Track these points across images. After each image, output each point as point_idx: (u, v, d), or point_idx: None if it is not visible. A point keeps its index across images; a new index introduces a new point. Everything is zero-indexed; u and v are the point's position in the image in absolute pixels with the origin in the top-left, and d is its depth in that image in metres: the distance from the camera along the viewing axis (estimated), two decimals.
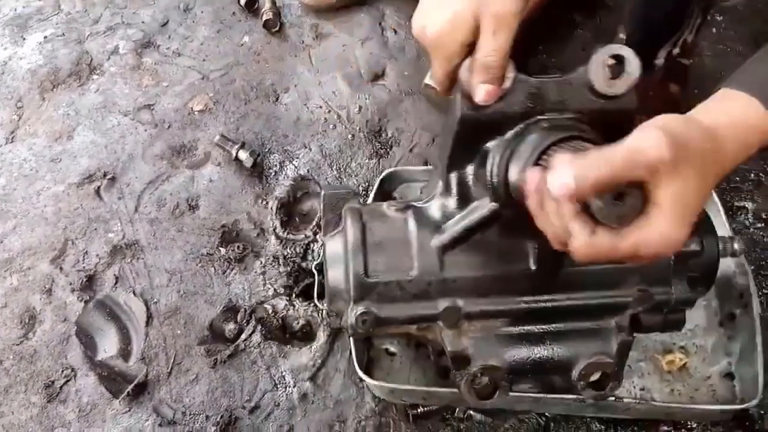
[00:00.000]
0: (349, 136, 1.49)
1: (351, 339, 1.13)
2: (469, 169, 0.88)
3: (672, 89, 1.33)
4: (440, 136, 1.13)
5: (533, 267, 0.89)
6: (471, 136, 0.83)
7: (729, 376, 1.17)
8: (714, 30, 1.60)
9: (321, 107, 1.52)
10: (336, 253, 0.94)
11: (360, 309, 0.90)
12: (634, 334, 0.95)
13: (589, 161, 0.60)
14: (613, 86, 0.74)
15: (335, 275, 0.93)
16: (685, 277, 0.92)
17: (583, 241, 0.64)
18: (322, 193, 1.09)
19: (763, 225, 1.35)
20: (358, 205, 0.99)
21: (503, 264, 0.90)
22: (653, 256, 0.64)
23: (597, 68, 0.74)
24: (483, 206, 0.87)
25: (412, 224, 0.92)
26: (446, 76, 0.78)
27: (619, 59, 0.73)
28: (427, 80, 1.45)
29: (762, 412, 1.17)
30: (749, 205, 1.37)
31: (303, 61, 1.58)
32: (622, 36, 1.42)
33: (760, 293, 1.27)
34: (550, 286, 0.90)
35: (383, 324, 0.91)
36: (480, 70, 0.74)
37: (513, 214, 0.84)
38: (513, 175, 0.78)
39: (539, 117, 0.78)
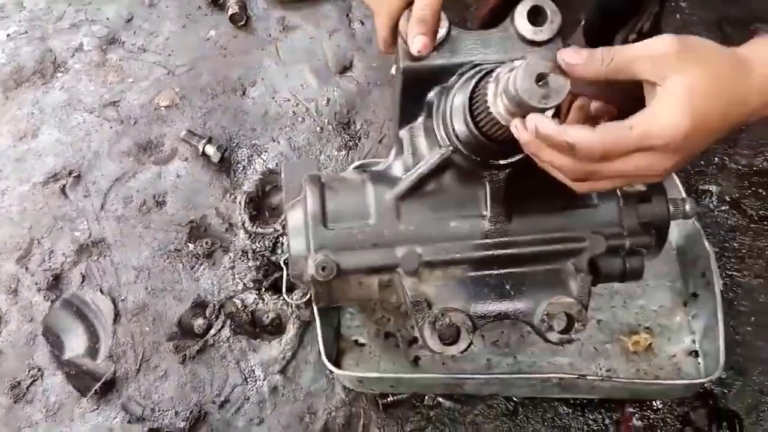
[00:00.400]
0: (318, 128, 1.49)
1: (319, 328, 1.13)
2: (419, 122, 0.94)
3: None
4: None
5: (486, 212, 0.93)
6: (415, 88, 0.91)
7: (694, 353, 1.18)
8: (678, 16, 1.61)
9: (289, 100, 1.51)
10: (297, 222, 0.97)
11: (319, 257, 0.92)
12: (596, 285, 0.99)
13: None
14: (538, 33, 0.85)
15: (297, 244, 0.96)
16: (635, 219, 0.96)
17: (588, 138, 0.68)
18: (282, 164, 1.12)
19: (727, 208, 1.37)
20: (318, 173, 1.01)
21: (458, 210, 0.94)
22: (663, 147, 0.66)
23: (520, 19, 0.84)
24: (434, 154, 0.91)
25: (369, 182, 0.97)
26: (389, 32, 0.85)
27: (539, 10, 0.84)
28: (394, 71, 1.45)
29: (725, 390, 1.19)
30: (713, 188, 1.39)
31: (270, 54, 1.57)
32: (582, 22, 1.43)
33: (723, 274, 1.29)
34: (504, 231, 0.94)
35: (343, 274, 0.94)
36: (415, 23, 0.80)
37: (463, 160, 0.89)
38: (456, 121, 0.86)
39: (476, 63, 0.87)
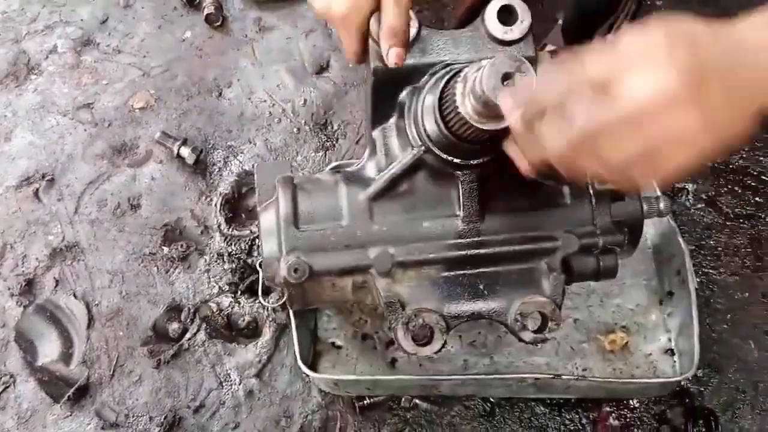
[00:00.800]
0: (295, 129, 1.47)
1: (294, 331, 1.12)
2: (391, 123, 0.94)
3: None
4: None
5: (459, 212, 0.93)
6: (386, 89, 0.91)
7: (669, 352, 1.18)
8: (653, 14, 1.62)
9: (265, 101, 1.50)
10: (269, 224, 0.96)
11: (291, 259, 0.91)
12: (572, 285, 1.00)
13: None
14: (509, 33, 0.85)
15: (269, 247, 0.95)
16: (608, 218, 0.96)
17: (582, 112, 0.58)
18: (256, 165, 1.11)
19: (703, 205, 1.37)
20: (291, 174, 1.01)
21: (430, 210, 0.94)
22: (658, 118, 0.55)
23: (490, 19, 0.84)
24: (406, 155, 0.92)
25: (342, 182, 0.97)
26: (360, 45, 0.84)
27: (509, 9, 0.83)
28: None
29: (701, 388, 1.19)
30: (690, 186, 1.39)
31: (246, 54, 1.56)
32: (560, 21, 1.43)
33: (699, 272, 1.29)
34: (477, 230, 0.94)
35: (316, 275, 0.93)
36: (386, 35, 0.79)
37: (435, 160, 0.89)
38: (427, 121, 0.86)
39: (447, 63, 0.87)
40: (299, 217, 0.96)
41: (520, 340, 0.94)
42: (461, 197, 0.94)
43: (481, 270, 0.97)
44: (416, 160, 0.93)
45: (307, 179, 1.01)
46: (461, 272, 0.96)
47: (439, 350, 0.94)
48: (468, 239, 0.95)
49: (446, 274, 0.97)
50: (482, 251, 0.95)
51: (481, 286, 0.97)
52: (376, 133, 0.99)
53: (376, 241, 0.95)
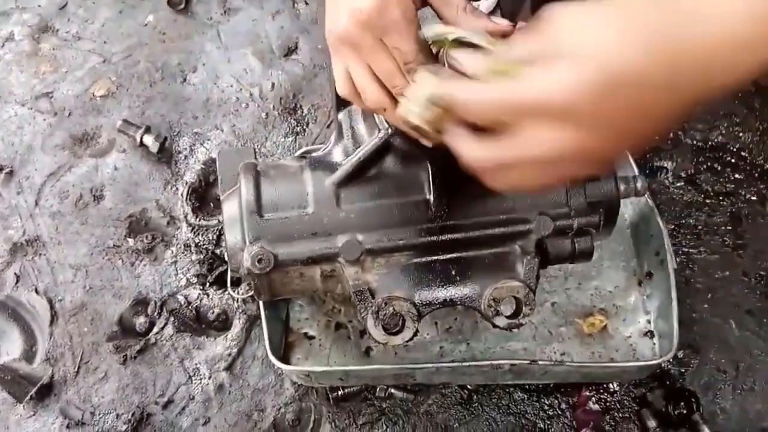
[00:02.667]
0: (263, 114, 1.43)
1: (264, 322, 1.09)
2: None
3: None
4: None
5: (429, 196, 0.90)
6: None
7: (649, 334, 1.16)
8: None
9: (232, 86, 1.45)
10: (232, 213, 0.92)
11: (255, 249, 0.88)
12: (549, 268, 0.97)
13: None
14: None
15: (232, 236, 0.92)
16: (583, 199, 0.93)
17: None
18: (218, 153, 1.07)
19: (682, 184, 1.35)
20: (254, 161, 0.97)
21: (399, 195, 0.91)
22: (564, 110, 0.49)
23: None
24: (373, 138, 0.88)
25: (308, 168, 0.93)
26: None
27: None
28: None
29: (682, 369, 1.17)
30: (668, 164, 1.36)
31: (211, 38, 1.50)
32: None
33: (679, 252, 1.27)
34: (448, 215, 0.91)
35: (282, 265, 0.90)
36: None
37: (403, 142, 0.85)
38: None
39: None
40: (263, 205, 0.92)
41: (495, 326, 0.92)
42: (431, 181, 0.91)
43: (453, 255, 0.94)
44: (384, 143, 0.90)
45: (270, 165, 0.97)
46: (432, 258, 0.94)
47: (411, 339, 0.91)
48: (439, 224, 0.92)
49: (417, 260, 0.94)
50: (454, 236, 0.92)
51: (453, 272, 0.94)
52: (342, 116, 0.95)
53: (343, 228, 0.91)
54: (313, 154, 0.99)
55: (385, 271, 0.94)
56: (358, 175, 0.92)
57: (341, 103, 0.95)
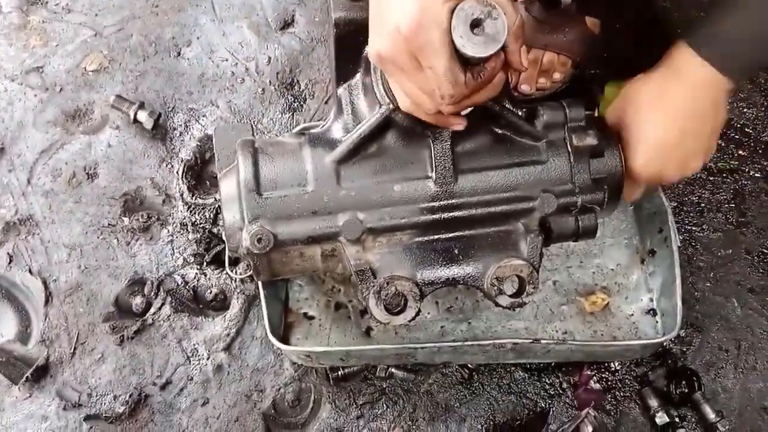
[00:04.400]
0: (260, 90, 1.39)
1: (263, 302, 1.07)
2: (357, 79, 0.88)
3: (589, 23, 1.27)
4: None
5: (431, 173, 0.88)
6: (350, 41, 0.86)
7: (651, 312, 1.15)
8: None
9: (227, 60, 1.42)
10: (230, 191, 0.91)
11: (254, 228, 0.86)
12: (551, 246, 0.98)
13: None
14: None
15: (231, 215, 0.90)
16: (587, 175, 0.92)
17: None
18: (214, 129, 1.04)
19: None
20: (252, 137, 0.94)
21: (401, 172, 0.89)
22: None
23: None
24: (374, 113, 0.86)
25: (307, 145, 0.91)
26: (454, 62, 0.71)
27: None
28: None
29: (684, 348, 1.17)
30: None
31: (205, 10, 1.46)
32: None
33: (682, 229, 1.26)
34: (450, 192, 0.89)
35: (281, 245, 0.88)
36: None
37: (405, 118, 0.84)
38: None
39: None
40: (261, 183, 0.90)
41: (497, 305, 0.90)
42: (433, 158, 0.89)
43: (455, 234, 0.92)
44: (384, 119, 0.88)
45: (269, 142, 0.95)
46: (435, 237, 0.92)
47: (413, 318, 0.90)
48: (441, 202, 0.90)
49: (419, 239, 0.92)
50: (456, 214, 0.91)
51: (456, 251, 0.92)
52: (342, 91, 0.93)
53: (344, 206, 0.89)
54: (313, 131, 0.97)
55: (386, 250, 0.92)
56: (358, 151, 0.90)
57: (341, 77, 0.92)
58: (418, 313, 0.90)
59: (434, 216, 0.90)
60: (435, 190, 0.90)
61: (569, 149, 0.93)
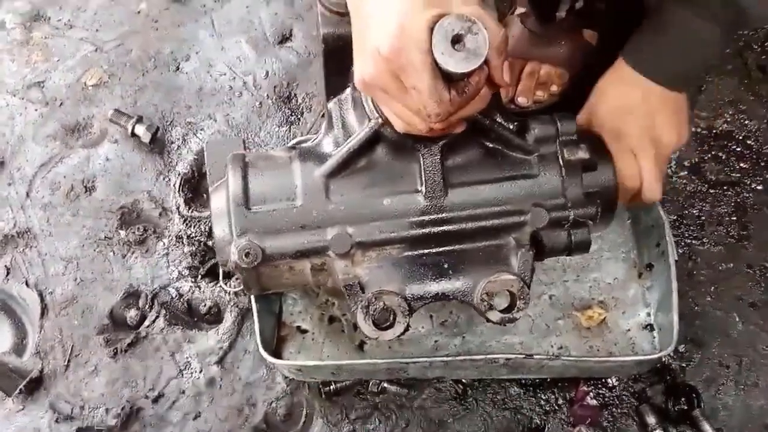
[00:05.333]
0: (257, 103, 1.40)
1: (255, 315, 1.07)
2: (347, 94, 0.88)
3: (586, 35, 1.27)
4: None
5: (420, 187, 0.88)
6: (339, 56, 0.85)
7: (649, 327, 1.13)
8: None
9: (225, 74, 1.43)
10: (220, 205, 0.91)
11: (242, 242, 0.86)
12: (544, 261, 0.96)
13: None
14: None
15: (220, 229, 0.90)
16: (580, 189, 0.90)
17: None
18: (205, 143, 1.04)
19: (686, 173, 1.31)
20: (243, 152, 0.94)
21: (390, 186, 0.89)
22: None
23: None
24: (363, 128, 0.85)
25: (297, 159, 0.91)
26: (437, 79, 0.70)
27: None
28: None
29: (683, 364, 1.14)
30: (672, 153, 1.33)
31: (204, 26, 1.48)
32: None
33: (682, 243, 1.24)
34: (440, 206, 0.89)
35: (270, 259, 0.88)
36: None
37: (394, 133, 0.84)
38: None
39: None
40: (250, 198, 0.89)
41: (488, 320, 0.89)
42: (423, 172, 0.89)
43: (445, 248, 0.91)
44: (374, 133, 0.87)
45: (259, 156, 0.95)
46: (424, 251, 0.91)
47: (402, 333, 0.89)
48: (431, 216, 0.89)
49: (408, 253, 0.91)
50: (446, 228, 0.90)
51: (446, 265, 0.91)
52: (332, 105, 0.93)
53: (333, 220, 0.89)
54: (303, 145, 0.97)
55: (375, 264, 0.91)
56: (347, 166, 0.90)
57: (331, 92, 0.92)
58: (407, 329, 0.89)
59: (424, 230, 0.89)
60: (424, 204, 0.89)
61: (561, 163, 0.92)
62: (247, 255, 0.88)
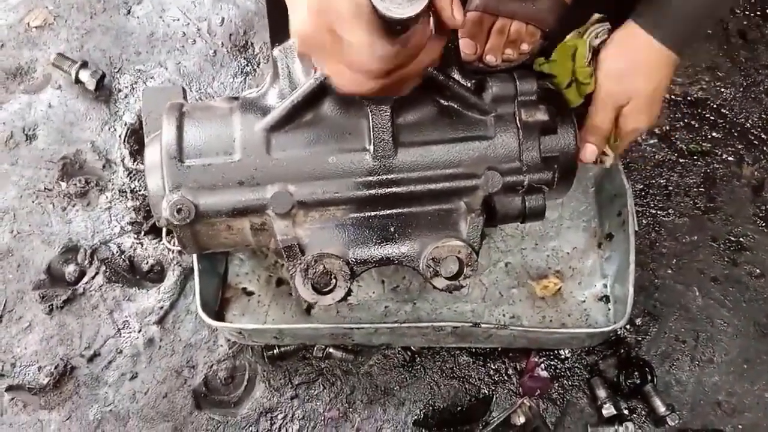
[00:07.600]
0: (211, 52, 1.32)
1: (196, 275, 1.02)
2: (293, 41, 0.81)
3: None
4: None
5: (369, 145, 0.82)
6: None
7: (604, 299, 1.09)
8: None
9: (178, 20, 1.34)
10: (154, 158, 0.85)
11: (174, 197, 0.80)
12: (506, 226, 0.93)
13: None
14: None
15: (153, 183, 0.84)
16: (537, 153, 0.85)
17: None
18: (142, 90, 0.98)
19: (655, 141, 1.26)
20: (181, 101, 0.89)
21: (337, 143, 0.83)
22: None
23: None
24: (309, 79, 0.79)
25: (238, 110, 0.84)
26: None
27: None
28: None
29: (639, 337, 1.11)
30: None
31: None
32: None
33: (647, 213, 1.19)
34: (389, 167, 0.83)
35: (205, 216, 0.82)
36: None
37: None
38: None
39: None
40: (184, 150, 0.83)
41: (434, 287, 0.85)
42: (372, 129, 0.83)
43: (393, 211, 0.86)
44: (320, 85, 0.80)
45: (197, 107, 0.88)
46: (371, 213, 0.86)
47: (343, 299, 0.84)
48: (379, 176, 0.84)
49: (354, 215, 0.86)
50: (395, 190, 0.84)
51: (392, 229, 0.86)
52: (277, 53, 0.86)
53: (273, 177, 0.83)
54: (247, 95, 0.90)
55: (318, 225, 0.86)
56: (291, 119, 0.84)
57: (277, 39, 0.86)
58: (348, 293, 0.84)
59: (371, 191, 0.84)
60: (372, 163, 0.83)
61: (518, 125, 0.86)
62: (179, 211, 0.82)
